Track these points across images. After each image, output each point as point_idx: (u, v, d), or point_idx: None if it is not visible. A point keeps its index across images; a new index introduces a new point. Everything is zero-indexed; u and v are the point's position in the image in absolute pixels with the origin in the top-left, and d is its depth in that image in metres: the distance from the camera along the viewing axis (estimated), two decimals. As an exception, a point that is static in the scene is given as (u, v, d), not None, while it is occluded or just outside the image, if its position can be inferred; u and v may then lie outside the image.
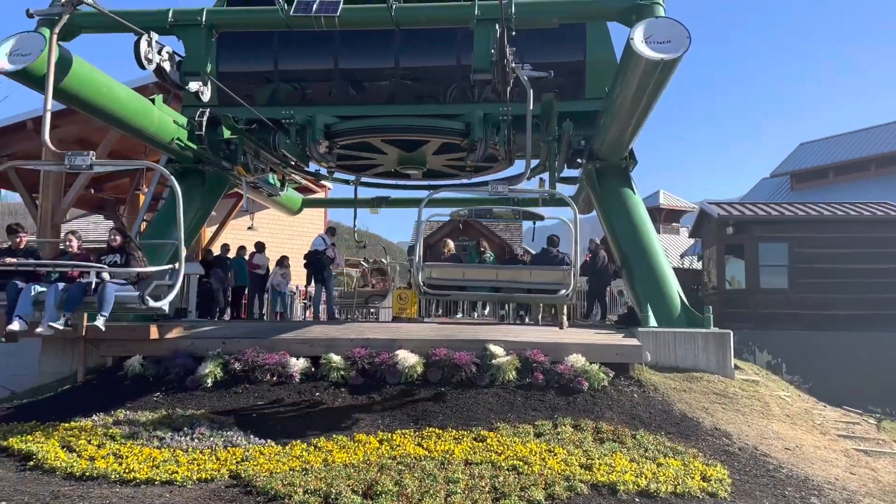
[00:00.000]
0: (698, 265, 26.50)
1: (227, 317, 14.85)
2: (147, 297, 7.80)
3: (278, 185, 16.19)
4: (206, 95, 10.03)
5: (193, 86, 9.58)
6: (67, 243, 8.98)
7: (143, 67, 8.65)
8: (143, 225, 13.64)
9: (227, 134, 12.51)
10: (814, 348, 16.59)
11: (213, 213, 20.22)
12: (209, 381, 9.60)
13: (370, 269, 35.20)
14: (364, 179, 16.81)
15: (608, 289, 16.14)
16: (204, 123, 12.37)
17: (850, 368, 16.16)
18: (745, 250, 18.12)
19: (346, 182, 17.90)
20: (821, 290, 17.17)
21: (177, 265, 7.82)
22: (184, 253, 7.82)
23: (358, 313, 18.87)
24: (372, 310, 20.67)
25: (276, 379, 9.69)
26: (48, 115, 7.74)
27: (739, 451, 8.02)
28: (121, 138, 14.00)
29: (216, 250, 16.36)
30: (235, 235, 22.50)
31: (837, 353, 16.44)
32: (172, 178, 7.58)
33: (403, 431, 8.17)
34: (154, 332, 10.54)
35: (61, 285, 8.09)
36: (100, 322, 7.98)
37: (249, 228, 23.23)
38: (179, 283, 7.80)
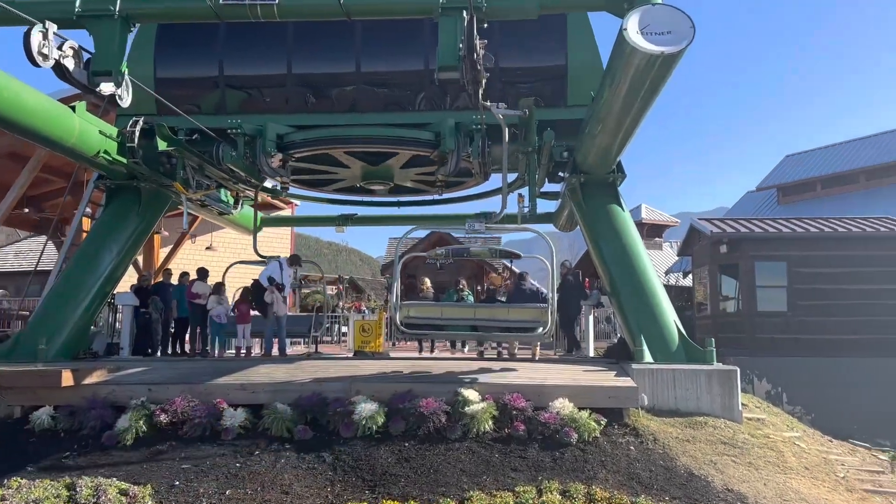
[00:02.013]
0: (685, 282, 25.25)
1: (169, 352, 13.20)
2: None
3: (231, 202, 14.67)
4: (127, 101, 8.54)
5: (106, 88, 8.07)
6: None
7: (35, 65, 7.12)
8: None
9: (163, 146, 10.95)
10: (816, 376, 15.33)
11: (165, 233, 18.78)
12: (129, 437, 8.21)
13: (344, 287, 33.16)
14: (326, 196, 15.41)
15: (590, 316, 14.56)
16: (136, 134, 10.87)
17: (856, 398, 14.91)
18: (740, 270, 16.81)
19: (309, 199, 16.59)
20: (823, 313, 15.86)
21: None
22: None
23: (329, 339, 16.97)
24: (344, 332, 18.80)
25: (208, 434, 8.25)
26: None
27: (760, 521, 6.70)
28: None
29: (170, 275, 14.59)
30: (193, 258, 20.89)
31: (841, 381, 15.20)
32: None
33: (354, 506, 6.70)
34: (68, 378, 9.02)
35: None
36: None
37: (208, 248, 21.70)
38: None
